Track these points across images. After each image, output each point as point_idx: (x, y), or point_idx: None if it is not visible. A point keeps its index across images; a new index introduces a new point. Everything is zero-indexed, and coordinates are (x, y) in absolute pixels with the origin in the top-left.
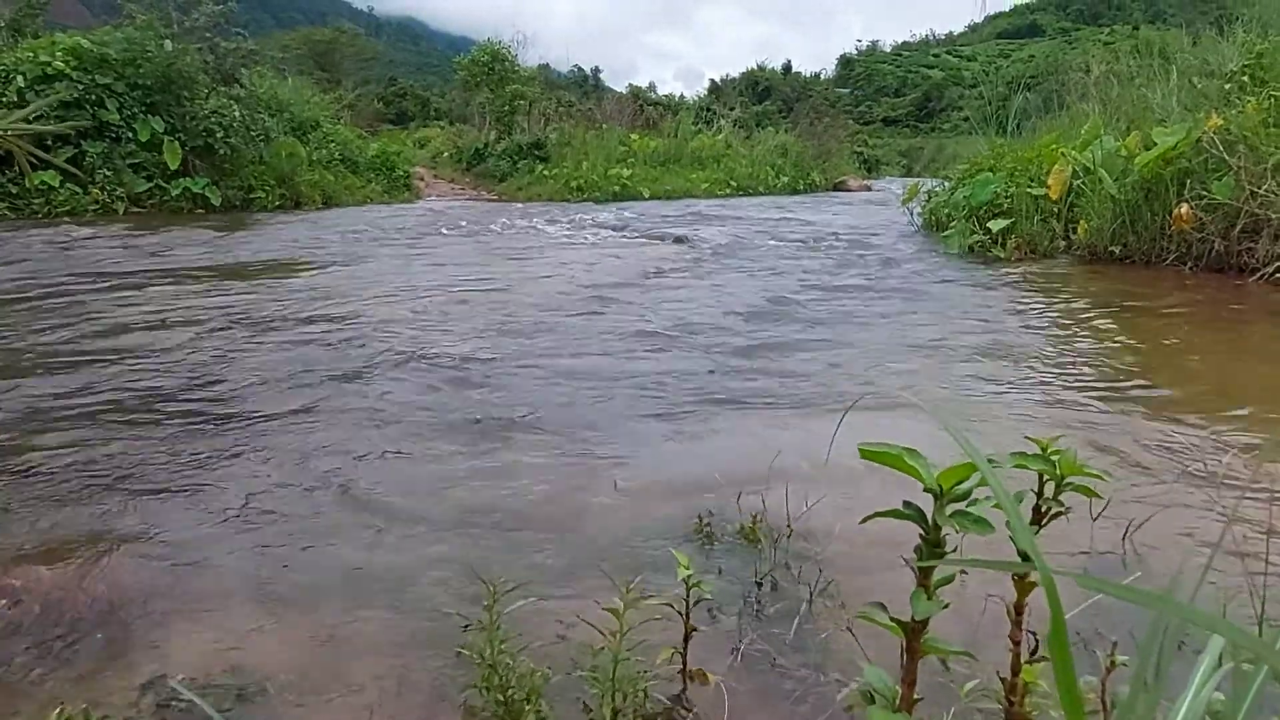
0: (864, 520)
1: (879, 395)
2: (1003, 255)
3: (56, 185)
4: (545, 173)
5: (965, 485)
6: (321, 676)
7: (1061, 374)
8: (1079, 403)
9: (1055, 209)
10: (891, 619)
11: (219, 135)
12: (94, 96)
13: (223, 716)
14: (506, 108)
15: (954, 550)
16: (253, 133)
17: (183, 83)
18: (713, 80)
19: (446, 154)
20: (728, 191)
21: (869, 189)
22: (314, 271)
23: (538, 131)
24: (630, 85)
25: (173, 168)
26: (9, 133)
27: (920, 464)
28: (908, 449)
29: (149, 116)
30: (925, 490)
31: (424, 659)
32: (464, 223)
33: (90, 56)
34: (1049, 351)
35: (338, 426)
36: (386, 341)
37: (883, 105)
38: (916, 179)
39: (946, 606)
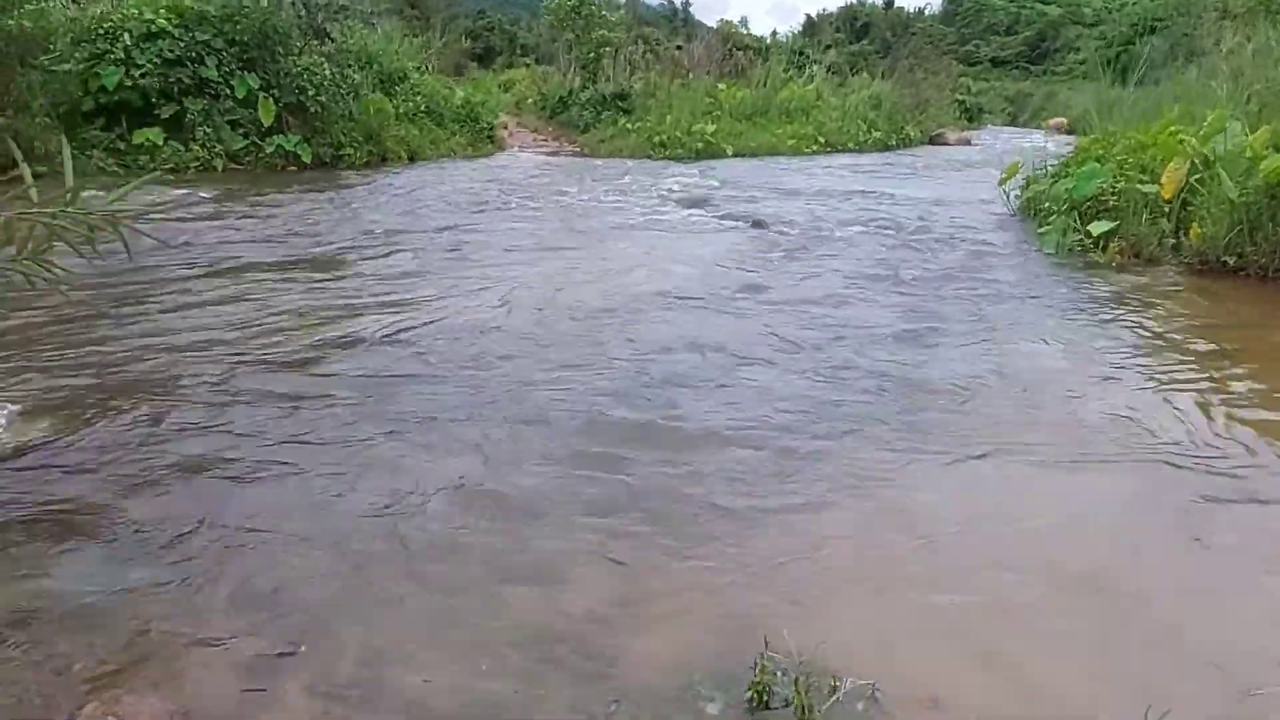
0: None
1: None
2: (1102, 260)
3: (160, 143)
4: (628, 126)
5: None
6: None
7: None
8: None
9: (1166, 207)
10: None
11: (310, 93)
12: (194, 54)
13: None
14: (592, 54)
15: None
16: (342, 90)
17: (277, 39)
18: (808, 15)
19: (530, 100)
20: (815, 148)
21: (968, 143)
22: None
23: (622, 80)
24: (721, 21)
25: (266, 124)
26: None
27: None
28: None
29: (245, 73)
30: None
31: None
32: (535, 190)
33: (191, 14)
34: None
35: None
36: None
37: (990, 44)
38: (1021, 133)
39: None
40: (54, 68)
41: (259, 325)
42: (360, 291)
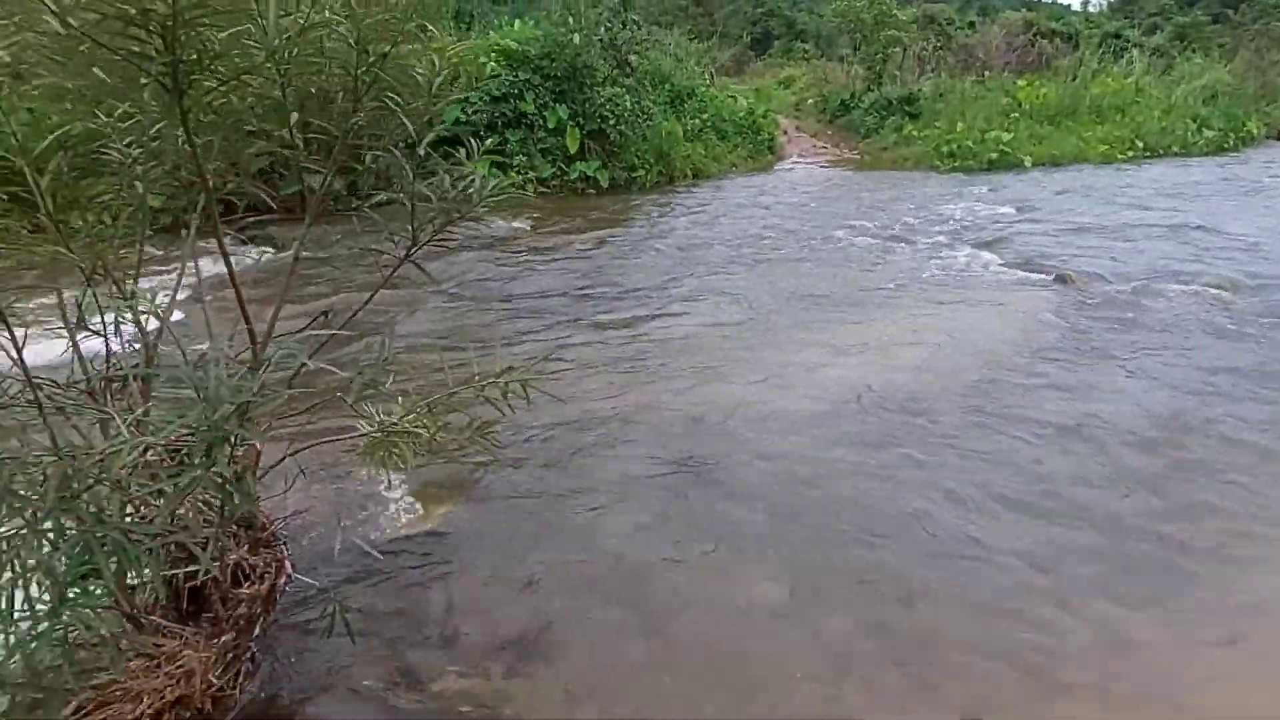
0: None
1: None
2: None
3: (486, 171)
4: (914, 132)
5: None
6: None
7: None
8: None
9: None
10: None
11: (611, 122)
12: (516, 90)
13: None
14: (879, 55)
15: None
16: (639, 119)
17: (585, 72)
18: None
19: (810, 100)
20: (1130, 154)
21: None
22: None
23: (910, 82)
24: None
25: (572, 151)
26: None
27: None
28: None
29: (556, 105)
30: None
31: None
32: (805, 221)
33: (516, 55)
34: None
35: None
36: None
37: None
38: None
39: None
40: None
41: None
42: (642, 365)
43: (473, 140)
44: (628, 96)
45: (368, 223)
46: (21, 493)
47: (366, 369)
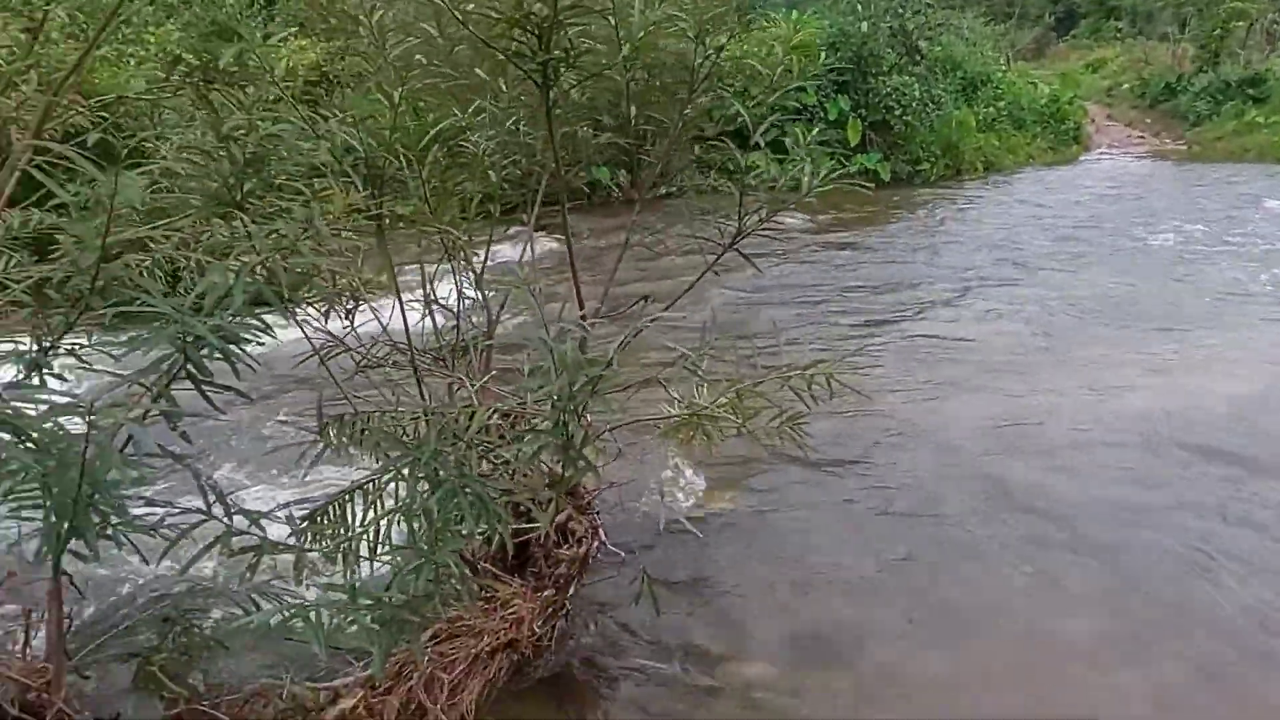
0: None
1: None
2: None
3: (764, 164)
4: (1259, 119)
5: None
6: None
7: None
8: None
9: None
10: None
11: (896, 112)
12: (780, 84)
13: None
14: (1217, 31)
15: None
16: (928, 107)
17: (871, 61)
18: None
19: (1125, 85)
20: None
21: None
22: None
23: (1257, 61)
24: None
25: (852, 144)
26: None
27: None
28: None
29: (838, 96)
30: None
31: None
32: (1107, 218)
33: (806, 47)
34: None
35: None
36: None
37: None
38: None
39: None
40: (693, 100)
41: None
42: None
43: (798, 129)
44: (916, 85)
45: (668, 211)
46: (403, 440)
47: (692, 351)
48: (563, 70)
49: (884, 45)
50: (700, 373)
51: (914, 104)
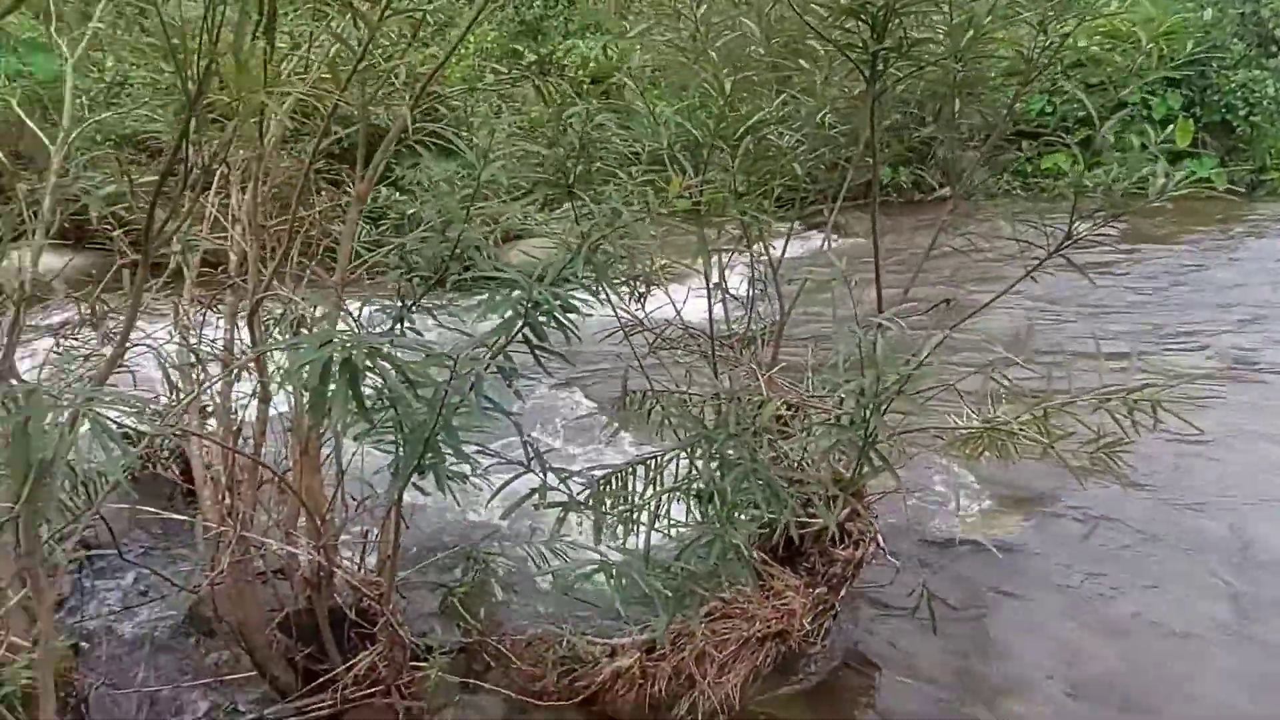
0: None
1: None
2: None
3: (1067, 168)
4: None
5: None
6: None
7: None
8: None
9: None
10: None
11: (1240, 112)
12: (1120, 77)
13: None
14: None
15: None
16: None
17: (1213, 53)
18: None
19: None
20: None
21: None
22: None
23: None
24: None
25: (1180, 146)
26: None
27: None
28: None
29: (1168, 92)
30: None
31: None
32: None
33: (1122, 35)
34: None
35: None
36: None
37: None
38: None
39: None
40: (990, 97)
41: None
42: None
43: (1149, 128)
44: (1271, 81)
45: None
46: (701, 420)
47: (994, 361)
48: (892, 61)
49: (1231, 35)
50: (1009, 384)
51: (1265, 103)
